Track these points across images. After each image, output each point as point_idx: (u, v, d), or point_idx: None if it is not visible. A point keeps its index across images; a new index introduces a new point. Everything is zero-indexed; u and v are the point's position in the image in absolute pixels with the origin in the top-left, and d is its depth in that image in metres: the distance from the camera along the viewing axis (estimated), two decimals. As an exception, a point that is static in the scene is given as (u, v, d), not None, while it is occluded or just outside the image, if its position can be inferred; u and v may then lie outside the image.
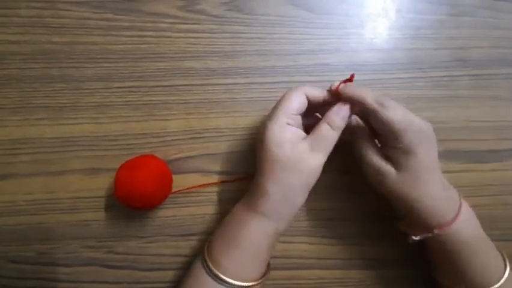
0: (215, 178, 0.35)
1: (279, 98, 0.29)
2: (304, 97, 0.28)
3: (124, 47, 0.36)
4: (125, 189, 0.30)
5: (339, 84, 0.28)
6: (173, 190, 0.33)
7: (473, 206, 0.36)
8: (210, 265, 0.27)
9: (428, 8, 0.38)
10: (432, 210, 0.28)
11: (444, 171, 0.36)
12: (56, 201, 0.34)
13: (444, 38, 0.37)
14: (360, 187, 0.36)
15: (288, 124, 0.27)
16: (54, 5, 0.36)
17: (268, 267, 0.30)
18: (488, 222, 0.36)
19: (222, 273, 0.27)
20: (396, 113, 0.26)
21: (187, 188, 0.34)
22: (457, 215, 0.28)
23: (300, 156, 0.27)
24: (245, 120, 0.36)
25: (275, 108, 0.28)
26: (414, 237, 0.29)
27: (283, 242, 0.35)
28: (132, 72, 0.35)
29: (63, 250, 0.34)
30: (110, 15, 0.36)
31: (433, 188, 0.28)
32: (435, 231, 0.28)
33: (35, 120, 0.35)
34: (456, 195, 0.29)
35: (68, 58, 0.35)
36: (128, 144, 0.35)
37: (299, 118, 0.29)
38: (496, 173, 0.36)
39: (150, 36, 0.36)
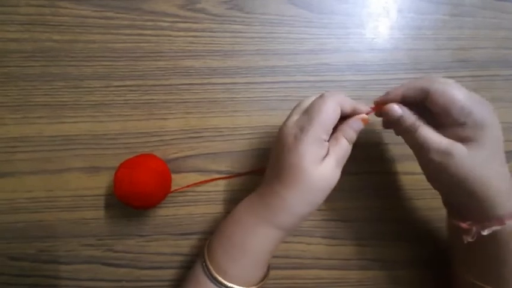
0: (214, 177, 0.35)
1: (308, 103, 0.27)
2: (339, 109, 0.26)
3: (123, 45, 0.36)
4: (125, 188, 0.30)
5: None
6: (172, 189, 0.33)
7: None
8: (213, 271, 0.26)
9: (430, 8, 0.37)
10: (503, 197, 0.25)
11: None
12: (55, 199, 0.34)
13: (445, 38, 0.37)
14: (359, 188, 0.36)
15: (324, 140, 0.26)
16: (54, 3, 0.36)
17: (268, 269, 0.30)
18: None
19: (226, 280, 0.26)
20: (459, 89, 0.25)
21: (187, 186, 0.34)
22: None
23: (329, 176, 0.26)
24: (244, 119, 0.36)
25: (312, 119, 0.25)
26: (482, 232, 0.26)
27: (283, 242, 0.35)
28: (132, 71, 0.35)
29: (63, 248, 0.34)
30: (110, 14, 0.36)
31: (505, 170, 0.26)
32: (507, 221, 0.25)
33: (34, 119, 0.35)
34: None
35: (68, 56, 0.35)
36: (127, 143, 0.35)
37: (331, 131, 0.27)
38: (495, 175, 0.36)
39: (150, 34, 0.36)
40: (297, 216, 0.27)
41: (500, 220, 0.25)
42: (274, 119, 0.35)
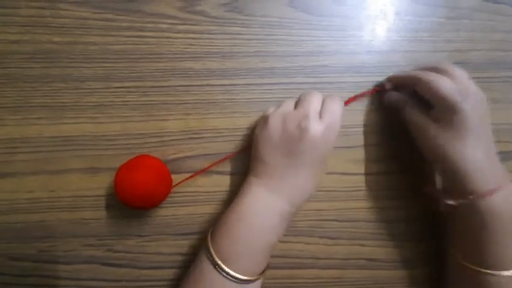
0: (214, 178, 0.35)
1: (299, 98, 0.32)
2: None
3: (123, 47, 0.36)
4: (126, 190, 0.30)
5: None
6: (172, 187, 0.33)
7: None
8: (222, 264, 0.27)
9: (427, 11, 0.38)
10: (469, 174, 0.28)
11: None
12: (56, 199, 0.35)
13: (442, 40, 0.38)
14: (357, 188, 0.36)
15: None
16: (55, 4, 0.36)
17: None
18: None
19: (233, 271, 0.27)
20: (443, 79, 0.29)
21: (187, 178, 0.34)
22: (498, 188, 0.28)
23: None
24: (243, 121, 0.36)
25: (309, 110, 0.29)
26: (447, 201, 0.29)
27: (282, 242, 0.35)
28: (131, 73, 0.36)
29: (63, 248, 0.34)
30: (110, 16, 0.36)
31: (474, 152, 0.28)
32: (471, 197, 0.28)
33: (34, 120, 0.35)
34: (503, 171, 0.29)
35: (68, 58, 0.35)
36: (127, 144, 0.35)
37: None
38: (492, 175, 0.37)
39: (149, 36, 0.36)
40: (305, 199, 0.30)
41: (464, 195, 0.28)
42: (273, 120, 0.36)
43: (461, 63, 0.37)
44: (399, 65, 0.37)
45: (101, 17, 0.36)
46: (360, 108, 0.37)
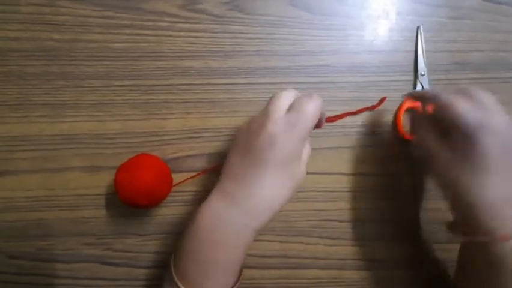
0: (214, 177, 0.35)
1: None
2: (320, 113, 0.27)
3: (124, 45, 0.36)
4: (127, 188, 0.30)
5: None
6: (173, 187, 0.33)
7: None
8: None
9: (428, 11, 0.38)
10: (484, 214, 0.26)
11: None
12: (55, 198, 0.34)
13: (444, 40, 0.37)
14: (356, 189, 0.36)
15: (306, 139, 0.27)
16: (55, 2, 0.36)
17: (241, 271, 0.28)
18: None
19: None
20: (467, 108, 0.26)
21: (188, 178, 0.34)
22: None
23: (304, 174, 0.27)
24: (244, 120, 0.36)
25: (302, 119, 0.25)
26: (457, 236, 0.27)
27: (281, 242, 0.35)
28: (132, 71, 0.36)
29: (62, 247, 0.34)
30: (110, 13, 0.36)
31: (492, 191, 0.26)
32: (483, 238, 0.26)
33: (35, 118, 0.35)
34: None
35: (68, 56, 0.35)
36: (127, 143, 0.35)
37: None
38: (492, 176, 0.37)
39: (150, 34, 0.36)
40: (273, 213, 0.26)
41: (475, 234, 0.26)
42: (274, 120, 0.35)
43: (462, 64, 0.37)
44: (401, 65, 0.37)
45: (101, 15, 0.36)
46: (361, 108, 0.36)
